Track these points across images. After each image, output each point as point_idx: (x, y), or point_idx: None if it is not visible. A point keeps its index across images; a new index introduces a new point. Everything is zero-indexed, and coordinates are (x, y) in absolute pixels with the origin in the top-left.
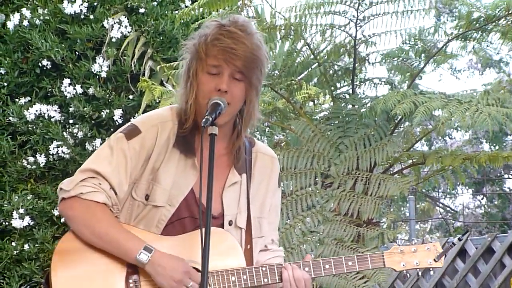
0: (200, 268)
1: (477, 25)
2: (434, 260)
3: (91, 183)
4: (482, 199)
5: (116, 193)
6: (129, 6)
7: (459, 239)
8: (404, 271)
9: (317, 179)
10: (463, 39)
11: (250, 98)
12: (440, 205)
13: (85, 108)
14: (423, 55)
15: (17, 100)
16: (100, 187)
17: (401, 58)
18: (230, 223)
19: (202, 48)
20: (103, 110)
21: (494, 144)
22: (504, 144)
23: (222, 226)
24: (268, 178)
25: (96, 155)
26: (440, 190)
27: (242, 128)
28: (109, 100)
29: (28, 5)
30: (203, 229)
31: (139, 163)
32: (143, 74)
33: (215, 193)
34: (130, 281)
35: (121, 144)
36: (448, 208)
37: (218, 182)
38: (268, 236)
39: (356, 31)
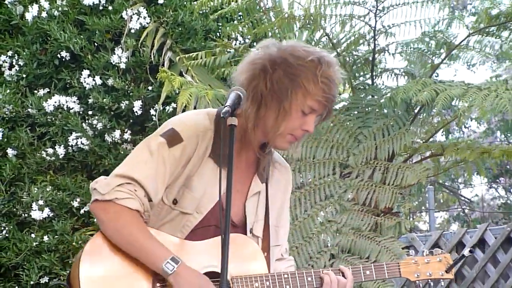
0: (219, 271)
1: (497, 21)
2: (446, 271)
3: (126, 189)
4: (502, 191)
5: (150, 200)
6: None
7: (470, 251)
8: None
9: (335, 169)
10: (484, 34)
11: None
12: (459, 196)
13: (104, 99)
14: (444, 46)
15: (36, 91)
16: (135, 193)
17: (421, 50)
18: (251, 231)
19: (311, 87)
20: (123, 101)
21: (509, 135)
22: None
23: (244, 234)
24: (284, 189)
25: (135, 159)
26: (458, 182)
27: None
28: (128, 91)
29: None
30: (222, 227)
31: (176, 171)
32: (162, 65)
33: (238, 202)
34: (158, 284)
35: (162, 151)
36: (465, 199)
37: (241, 190)
38: (283, 245)
39: (376, 21)
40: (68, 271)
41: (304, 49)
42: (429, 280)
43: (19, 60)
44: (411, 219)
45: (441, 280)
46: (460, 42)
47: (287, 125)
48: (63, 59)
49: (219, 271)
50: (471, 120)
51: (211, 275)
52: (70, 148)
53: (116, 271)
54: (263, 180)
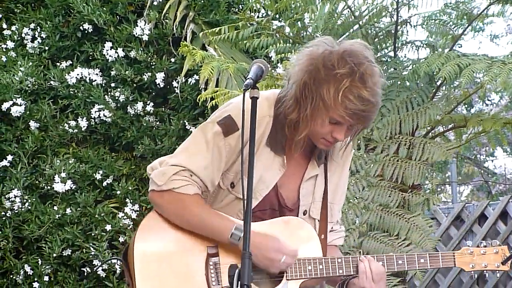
0: None
1: None
2: (502, 263)
3: (183, 176)
4: None
5: (206, 187)
6: None
7: None
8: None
9: (360, 144)
10: (504, 2)
11: None
12: (482, 167)
13: (126, 72)
14: (464, 17)
15: (58, 64)
16: (192, 179)
17: (442, 21)
18: (304, 213)
19: (331, 101)
20: (145, 74)
21: None
22: None
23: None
24: (343, 164)
25: (191, 148)
26: (482, 152)
27: None
28: (151, 64)
29: None
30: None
31: (231, 158)
32: (185, 38)
33: (293, 185)
34: (210, 263)
35: (218, 141)
36: (489, 170)
37: (296, 173)
38: (335, 219)
39: None
40: (91, 244)
41: (342, 56)
42: (485, 271)
43: (42, 32)
44: (436, 195)
45: (497, 272)
46: (481, 12)
47: (311, 130)
48: (86, 32)
49: None
50: (496, 94)
51: None
52: (92, 120)
53: (170, 246)
54: (320, 163)
